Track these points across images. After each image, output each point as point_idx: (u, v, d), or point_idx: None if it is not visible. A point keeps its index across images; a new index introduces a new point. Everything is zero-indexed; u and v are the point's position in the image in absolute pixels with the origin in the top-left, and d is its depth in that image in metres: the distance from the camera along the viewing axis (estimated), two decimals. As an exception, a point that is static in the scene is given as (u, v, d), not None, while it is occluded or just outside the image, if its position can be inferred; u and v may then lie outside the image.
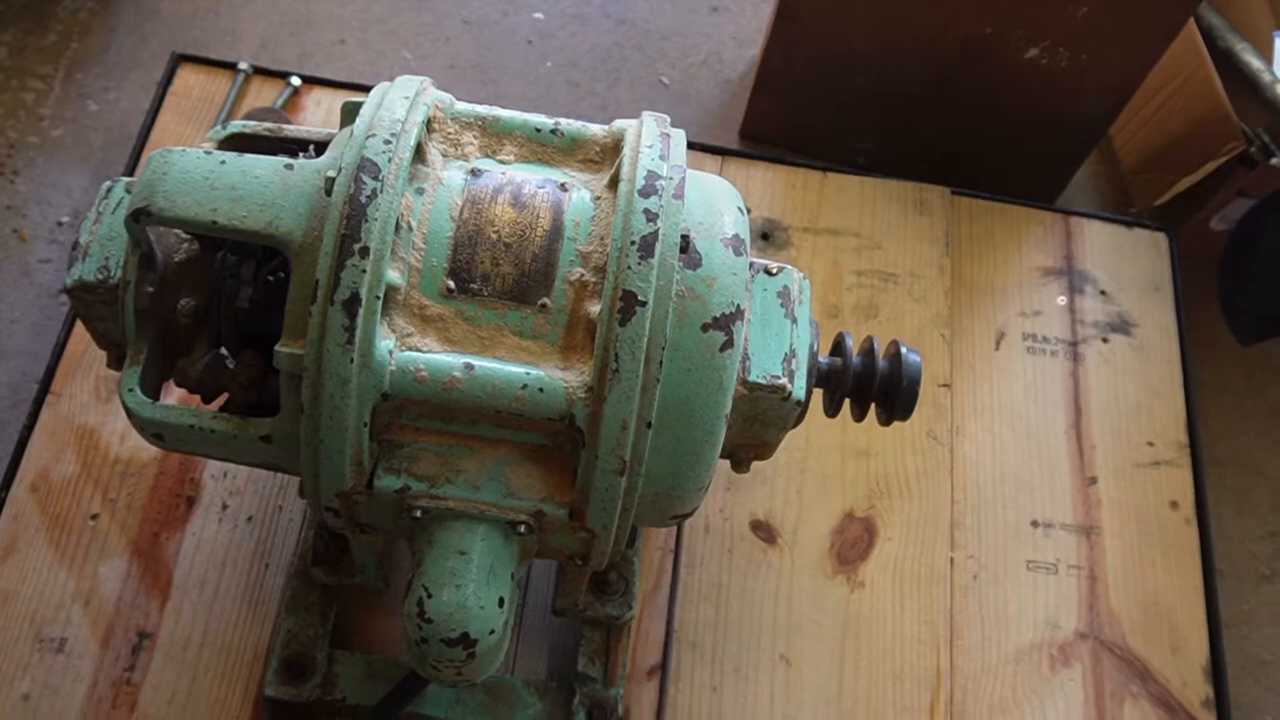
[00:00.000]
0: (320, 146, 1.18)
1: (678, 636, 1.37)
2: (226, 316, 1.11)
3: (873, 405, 1.20)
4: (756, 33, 2.14)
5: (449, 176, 1.08)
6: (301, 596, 1.28)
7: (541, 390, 1.01)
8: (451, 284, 1.03)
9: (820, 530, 1.48)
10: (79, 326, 1.47)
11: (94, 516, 1.36)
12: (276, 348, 0.99)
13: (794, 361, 1.14)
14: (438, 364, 1.00)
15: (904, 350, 1.19)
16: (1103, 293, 1.73)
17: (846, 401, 1.21)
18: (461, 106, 1.13)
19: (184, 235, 1.13)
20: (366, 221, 0.98)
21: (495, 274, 1.03)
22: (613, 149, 1.13)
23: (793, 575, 1.44)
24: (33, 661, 1.28)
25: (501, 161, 1.12)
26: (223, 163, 1.05)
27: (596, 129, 1.15)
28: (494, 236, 1.04)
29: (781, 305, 1.16)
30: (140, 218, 1.02)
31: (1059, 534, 1.52)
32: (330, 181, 1.00)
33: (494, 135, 1.13)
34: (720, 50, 2.13)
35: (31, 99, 1.87)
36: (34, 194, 1.78)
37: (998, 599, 1.46)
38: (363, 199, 0.98)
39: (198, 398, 1.13)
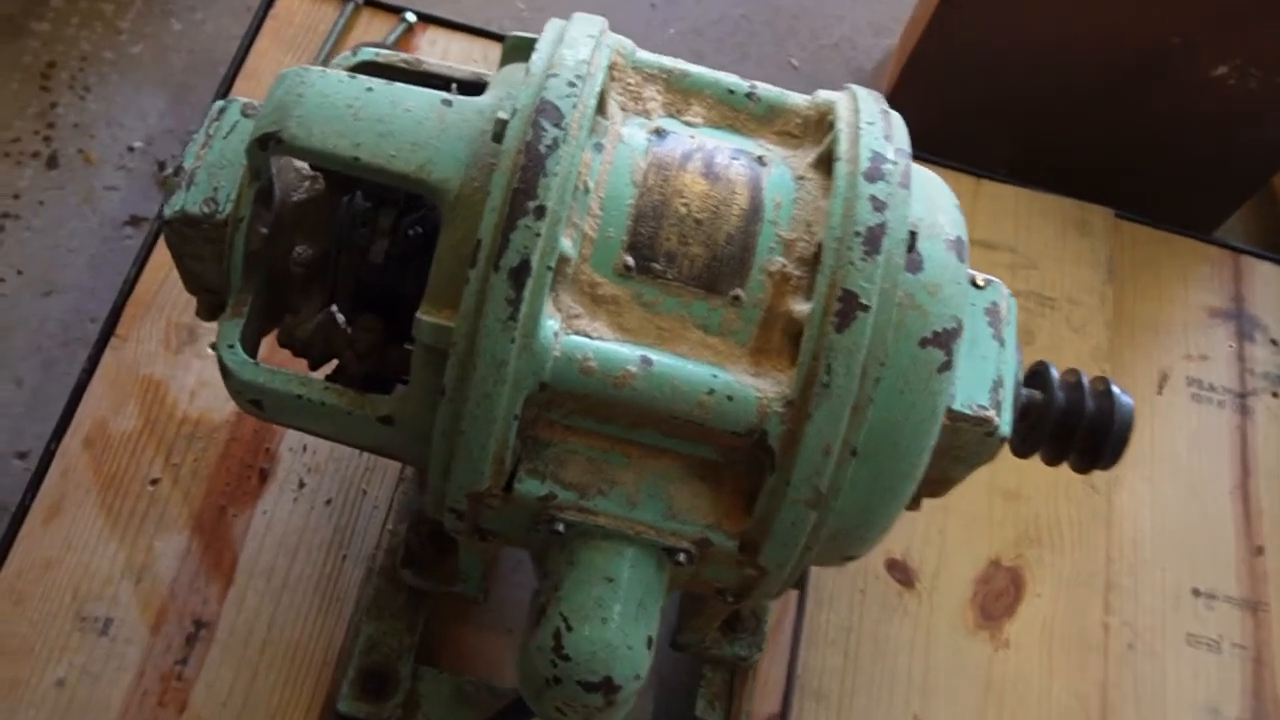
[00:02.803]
0: (467, 88, 1.01)
1: (801, 684, 1.21)
2: (347, 271, 0.95)
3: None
4: (893, 20, 1.97)
5: (630, 134, 0.91)
6: (386, 599, 1.12)
7: (730, 398, 0.84)
8: (630, 260, 0.86)
9: (963, 576, 1.31)
10: (153, 263, 1.32)
11: (154, 481, 1.20)
12: (419, 315, 0.83)
13: (1001, 391, 0.97)
14: (610, 354, 0.84)
15: (1116, 390, 1.02)
16: (1273, 341, 1.55)
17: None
18: (644, 55, 0.97)
19: (306, 171, 0.97)
20: (545, 176, 0.81)
21: (682, 254, 0.87)
22: (817, 123, 0.96)
23: (930, 624, 1.28)
24: (72, 643, 1.12)
25: (688, 124, 0.95)
26: (369, 90, 0.88)
27: (799, 98, 0.98)
28: (683, 210, 0.88)
29: (990, 324, 0.99)
30: (267, 144, 0.86)
31: (1222, 606, 1.35)
32: (501, 125, 0.83)
33: (679, 92, 0.96)
34: (854, 36, 1.96)
35: (111, 9, 1.73)
36: (105, 114, 1.65)
37: (1154, 675, 1.30)
38: (541, 148, 0.82)
39: (289, 360, 0.97)
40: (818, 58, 1.92)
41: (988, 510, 1.35)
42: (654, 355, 0.85)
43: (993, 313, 1.00)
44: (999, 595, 1.32)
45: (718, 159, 0.92)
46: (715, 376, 0.85)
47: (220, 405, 1.24)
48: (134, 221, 1.56)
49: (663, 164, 0.90)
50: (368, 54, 1.04)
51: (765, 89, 0.97)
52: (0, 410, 1.41)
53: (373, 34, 1.51)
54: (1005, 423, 0.97)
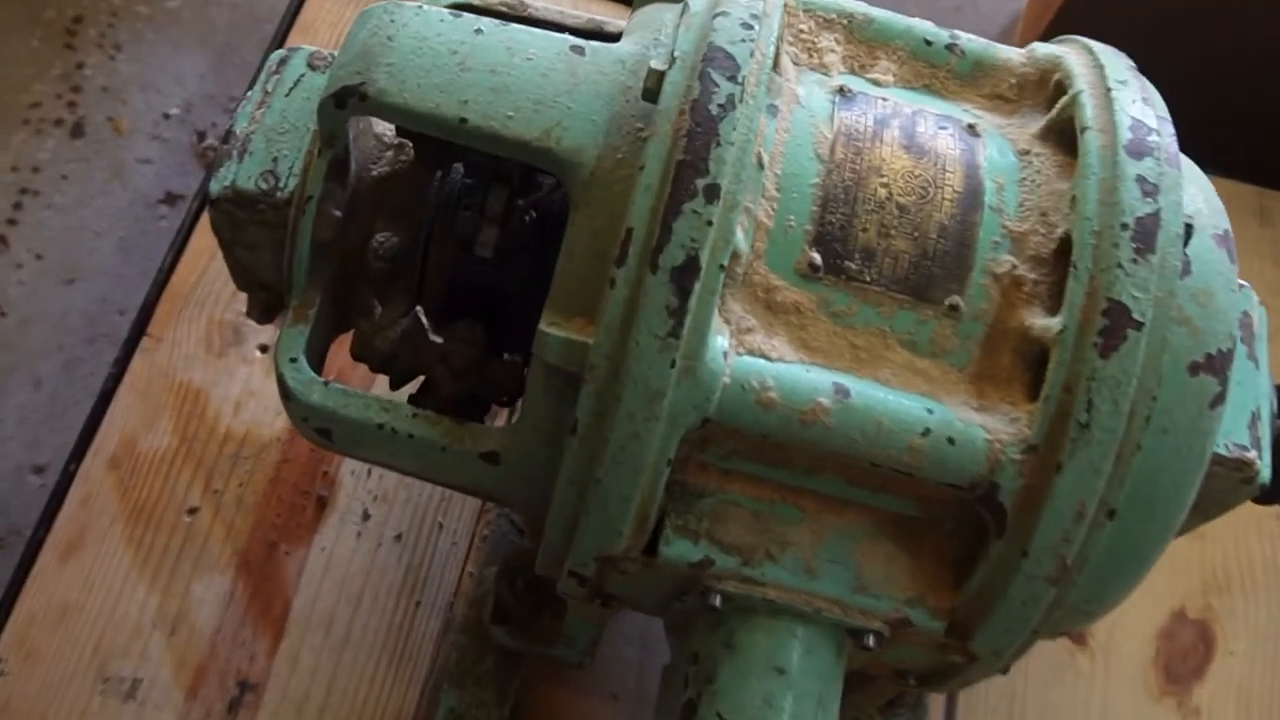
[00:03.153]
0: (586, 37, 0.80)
1: (960, 762, 1.01)
2: (442, 266, 0.75)
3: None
4: (1017, -20, 1.76)
5: (809, 95, 0.71)
6: (471, 661, 0.93)
7: (951, 441, 0.64)
8: (817, 257, 0.66)
9: (1143, 632, 1.12)
10: (192, 249, 1.14)
11: (192, 511, 1.02)
12: (543, 327, 0.63)
13: (1259, 426, 0.77)
14: (796, 381, 0.64)
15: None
16: None
17: None
18: (820, -5, 0.76)
19: (390, 138, 0.77)
20: (719, 145, 0.61)
21: (883, 249, 0.67)
22: (1037, 84, 0.76)
23: (1107, 689, 1.09)
24: (93, 708, 0.94)
25: (875, 82, 0.75)
26: (479, 32, 0.68)
27: (1011, 53, 0.78)
28: (882, 192, 0.68)
29: (1241, 340, 0.78)
30: (346, 101, 0.66)
31: None
32: (657, 78, 0.64)
33: (863, 42, 0.76)
34: (977, -1, 1.75)
35: None
36: (138, 77, 1.52)
37: (1372, 750, 1.09)
38: (713, 108, 0.62)
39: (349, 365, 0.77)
40: (937, 20, 1.70)
41: (1168, 552, 1.14)
42: (851, 383, 0.65)
43: (1245, 325, 0.79)
44: (1186, 654, 1.12)
45: (920, 127, 0.71)
46: (930, 412, 0.65)
47: (270, 419, 1.05)
48: (169, 199, 1.41)
49: (853, 133, 0.70)
50: (464, -6, 0.84)
51: (970, 40, 0.77)
52: (15, 417, 1.24)
53: (445, -15, 1.31)
54: (1265, 465, 0.76)
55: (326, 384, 0.72)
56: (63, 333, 1.31)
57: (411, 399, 0.77)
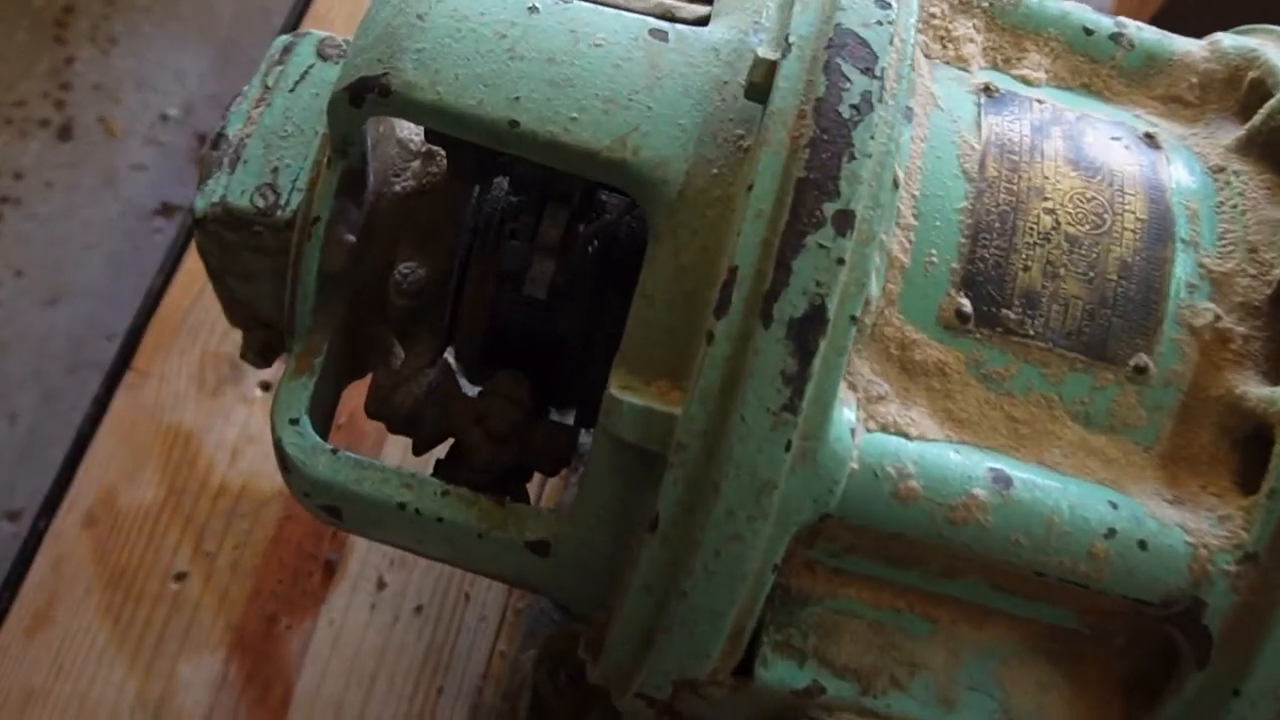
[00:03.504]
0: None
1: None
2: (477, 304, 0.61)
3: None
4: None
5: (948, 95, 0.57)
6: (504, 767, 0.77)
7: (1143, 546, 0.50)
8: (966, 304, 0.52)
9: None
10: (186, 269, 1.03)
11: (179, 577, 0.91)
12: (613, 391, 0.50)
13: None
14: (944, 467, 0.51)
15: None
16: None
17: None
18: (951, -28, 0.61)
19: (417, 144, 0.63)
20: (853, 158, 0.47)
21: (1049, 295, 0.53)
22: (1225, 83, 0.62)
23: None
24: (59, 816, 0.79)
25: (1024, 80, 0.60)
26: (533, 9, 0.54)
27: (1188, 44, 0.64)
28: (1047, 220, 0.53)
29: None
30: (364, 98, 0.53)
31: None
32: (767, 69, 0.49)
33: (1008, 31, 0.62)
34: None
35: None
36: (134, 74, 1.43)
37: None
38: (843, 110, 0.47)
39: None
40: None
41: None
42: (1012, 468, 0.51)
43: None
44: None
45: (1089, 137, 0.57)
46: (1115, 507, 0.51)
47: (272, 469, 0.90)
48: (165, 210, 1.33)
49: (1006, 144, 0.55)
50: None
51: (1139, 29, 0.62)
52: (-13, 454, 1.12)
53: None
54: None
55: (336, 452, 0.58)
56: (43, 359, 1.21)
57: (439, 466, 0.63)
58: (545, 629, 0.84)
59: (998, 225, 0.53)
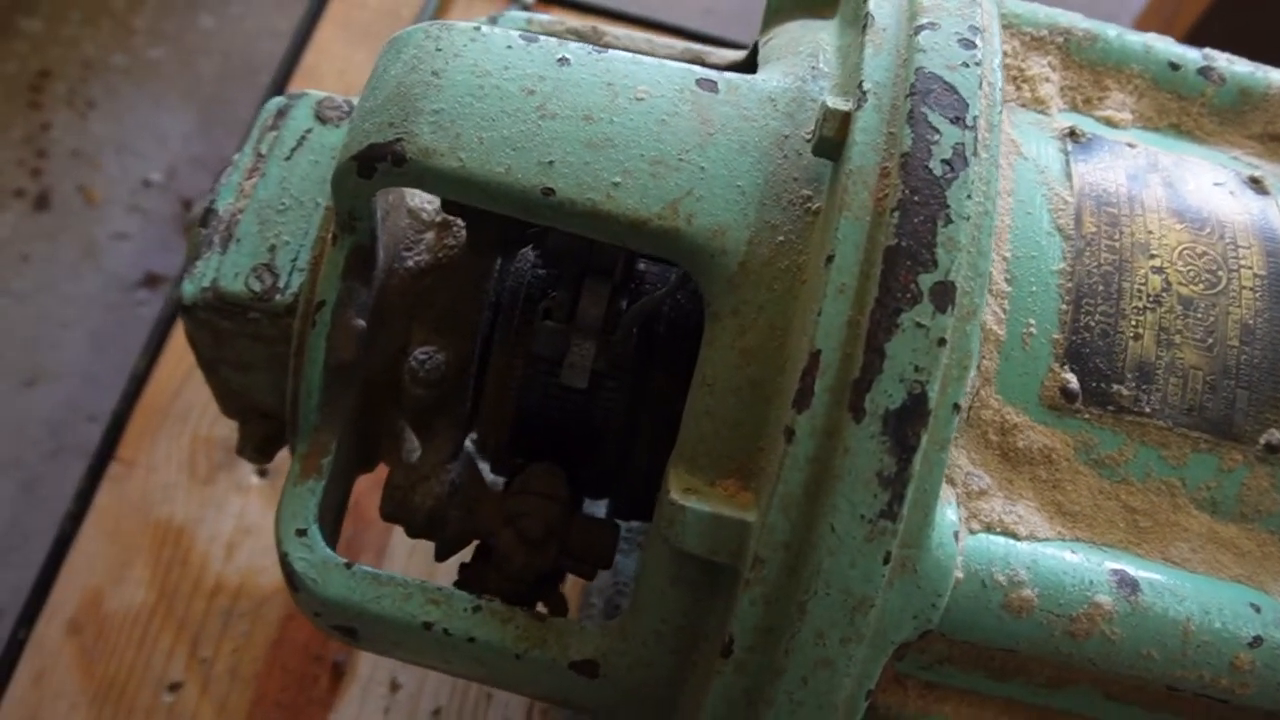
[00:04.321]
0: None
1: None
2: (503, 392, 0.54)
3: None
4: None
5: (1030, 142, 0.51)
6: None
7: (1292, 656, 0.43)
8: (1072, 380, 0.46)
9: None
10: (173, 347, 0.95)
11: (174, 687, 0.83)
12: (674, 496, 0.44)
13: None
14: (1060, 572, 0.44)
15: None
16: None
17: None
18: (1019, 6, 0.55)
19: (429, 214, 0.56)
20: (949, 223, 0.40)
21: (1165, 366, 0.46)
22: (1330, 115, 0.54)
23: None
24: None
25: (1108, 122, 0.54)
26: (564, 61, 0.47)
27: (1280, 75, 0.56)
28: (1156, 281, 0.47)
29: None
30: (376, 167, 0.46)
31: None
32: (840, 122, 0.43)
33: (1086, 69, 0.56)
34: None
35: (122, 4, 1.48)
36: (114, 138, 1.38)
37: None
38: (934, 167, 0.41)
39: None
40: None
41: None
42: (1136, 568, 0.44)
43: None
44: None
45: (1190, 184, 0.51)
46: (1258, 611, 0.44)
47: (272, 564, 0.84)
48: (150, 281, 1.27)
49: (1102, 196, 0.49)
50: (517, 19, 0.64)
51: (1229, 62, 0.56)
52: (-37, 550, 1.04)
53: (475, 14, 1.12)
54: None
55: (350, 566, 0.51)
56: (22, 445, 1.14)
57: (464, 572, 0.56)
58: (575, 730, 0.77)
59: (1101, 288, 0.47)
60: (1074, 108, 0.54)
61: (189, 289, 0.55)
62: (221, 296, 0.54)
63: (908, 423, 0.40)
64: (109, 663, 0.82)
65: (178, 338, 0.96)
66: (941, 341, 0.40)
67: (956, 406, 0.41)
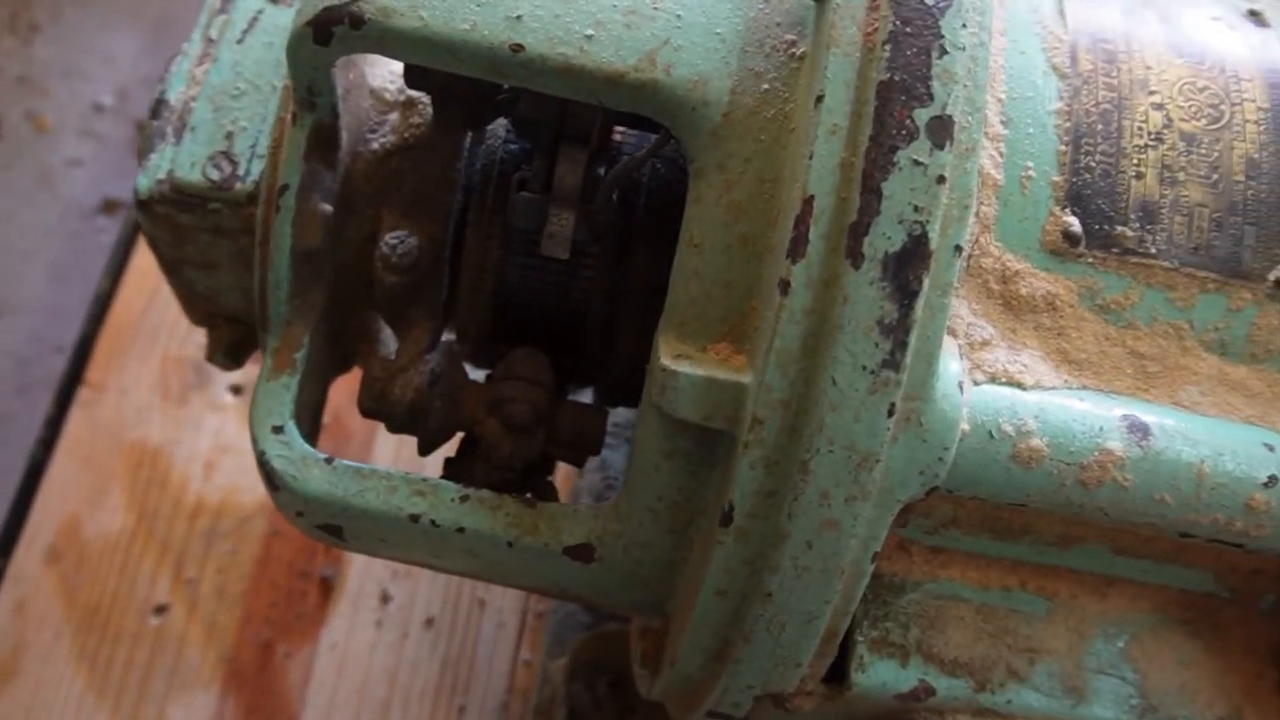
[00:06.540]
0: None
1: None
2: (481, 273, 0.52)
3: None
4: None
5: (1018, -23, 0.48)
6: (544, 793, 0.69)
7: (1311, 493, 0.42)
8: (1074, 223, 0.44)
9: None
10: (136, 267, 0.94)
11: (160, 610, 0.83)
12: (665, 361, 0.42)
13: None
14: (1068, 420, 0.43)
15: None
16: None
17: None
18: None
19: (393, 93, 0.54)
20: (944, 54, 0.38)
21: (1170, 204, 0.45)
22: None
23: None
24: None
25: (1096, -40, 0.51)
26: (527, -86, 0.44)
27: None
28: (1157, 117, 0.45)
29: None
30: (332, 30, 0.43)
31: None
32: (823, -43, 0.40)
33: (1070, -96, 0.52)
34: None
35: None
36: (61, 62, 1.32)
37: None
38: (931, 2, 0.38)
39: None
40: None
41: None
42: (1147, 413, 0.43)
43: None
44: None
45: (1187, 18, 0.49)
46: (1272, 450, 0.43)
47: (253, 480, 0.81)
48: (108, 207, 1.23)
49: (1097, 32, 0.47)
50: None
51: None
52: (-66, 490, 1.02)
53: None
54: None
55: (330, 461, 0.49)
56: None
57: (449, 466, 0.54)
58: (573, 633, 0.76)
59: (1100, 127, 0.45)
60: (1062, -54, 0.52)
61: (143, 183, 0.53)
62: (179, 188, 0.52)
63: (908, 266, 0.38)
64: (91, 589, 0.82)
65: (140, 259, 0.94)
66: (941, 179, 0.38)
67: (958, 248, 0.39)
